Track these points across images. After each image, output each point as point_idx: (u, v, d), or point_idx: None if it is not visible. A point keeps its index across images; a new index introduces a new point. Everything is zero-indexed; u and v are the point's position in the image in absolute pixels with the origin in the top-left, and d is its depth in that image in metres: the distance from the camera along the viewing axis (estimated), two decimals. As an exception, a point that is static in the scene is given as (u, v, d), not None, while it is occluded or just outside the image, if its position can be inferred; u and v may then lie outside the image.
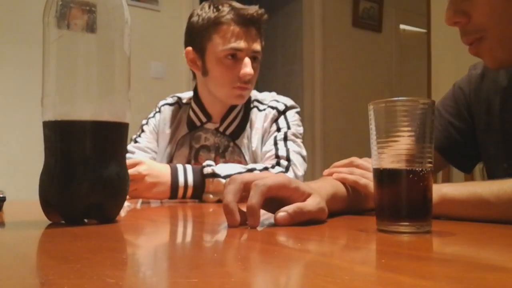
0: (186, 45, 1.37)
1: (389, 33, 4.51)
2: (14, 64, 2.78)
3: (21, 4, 2.79)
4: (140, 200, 1.15)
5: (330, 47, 4.10)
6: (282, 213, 0.61)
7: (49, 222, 0.66)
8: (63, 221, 0.65)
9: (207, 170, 1.15)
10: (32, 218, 0.76)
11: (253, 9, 1.30)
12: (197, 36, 1.32)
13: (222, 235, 0.58)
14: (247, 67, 1.29)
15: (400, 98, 0.57)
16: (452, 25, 0.80)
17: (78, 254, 0.44)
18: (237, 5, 1.31)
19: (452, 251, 0.49)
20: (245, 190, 0.62)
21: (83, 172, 0.64)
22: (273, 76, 4.34)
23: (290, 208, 0.62)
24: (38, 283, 0.34)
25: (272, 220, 0.66)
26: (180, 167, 1.16)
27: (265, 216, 0.70)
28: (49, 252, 0.47)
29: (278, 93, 1.48)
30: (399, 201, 0.58)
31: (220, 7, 1.29)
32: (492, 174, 0.96)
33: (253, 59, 1.32)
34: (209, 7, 1.31)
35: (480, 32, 0.78)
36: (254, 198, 0.60)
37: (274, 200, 0.64)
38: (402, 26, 4.67)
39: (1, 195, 0.86)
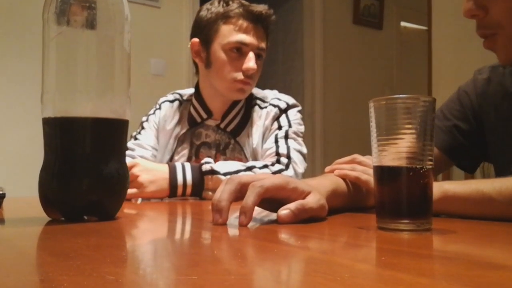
0: (192, 37, 1.38)
1: (390, 31, 4.51)
2: (14, 62, 2.78)
3: (21, 1, 2.79)
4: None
5: (331, 45, 4.10)
6: (285, 211, 0.61)
7: (48, 219, 0.66)
8: (62, 218, 0.65)
9: (205, 167, 1.15)
10: (32, 214, 0.76)
11: (262, 7, 1.33)
12: (205, 27, 1.33)
13: (221, 232, 0.58)
14: (251, 62, 1.30)
15: (400, 95, 0.57)
16: (469, 17, 0.78)
17: (78, 251, 0.43)
18: (246, 2, 1.34)
19: (453, 249, 0.49)
20: (241, 191, 0.62)
21: (83, 169, 0.64)
22: (274, 73, 4.34)
23: (292, 205, 0.62)
24: (37, 279, 0.34)
25: (271, 217, 0.66)
26: (178, 165, 1.16)
27: (264, 213, 0.71)
28: (48, 249, 0.47)
29: (279, 90, 1.48)
30: (399, 199, 0.57)
31: (230, 2, 1.32)
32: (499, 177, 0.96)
33: (257, 56, 1.33)
34: (219, 3, 1.33)
35: (496, 28, 0.77)
36: (250, 198, 0.60)
37: (273, 200, 0.64)
38: (403, 24, 4.67)
39: (1, 192, 0.86)
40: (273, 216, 0.65)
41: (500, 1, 0.75)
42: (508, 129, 0.92)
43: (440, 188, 0.68)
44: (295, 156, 1.28)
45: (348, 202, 0.78)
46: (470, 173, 1.10)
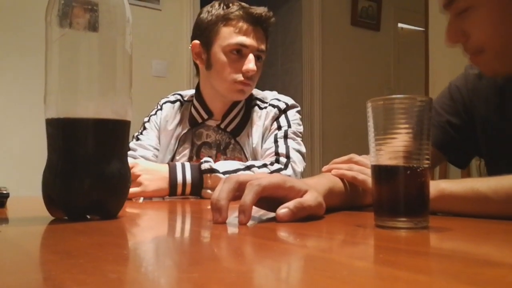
0: (192, 39, 1.39)
1: (388, 32, 4.51)
2: (18, 62, 2.77)
3: (24, 2, 2.79)
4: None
5: (329, 46, 4.10)
6: (284, 210, 0.62)
7: (52, 218, 0.66)
8: (65, 217, 0.66)
9: (204, 166, 1.16)
10: (35, 214, 0.77)
11: (261, 10, 1.33)
12: (205, 30, 1.34)
13: (221, 230, 0.58)
14: (251, 63, 1.31)
15: (398, 95, 0.58)
16: (452, 45, 0.83)
17: (80, 250, 0.44)
18: (246, 5, 1.35)
19: (450, 246, 0.49)
20: (239, 190, 0.63)
21: (85, 169, 0.65)
22: (273, 74, 4.34)
23: (290, 204, 0.62)
24: (41, 278, 0.34)
25: (270, 216, 0.66)
26: (178, 165, 1.17)
27: (263, 212, 0.71)
28: (51, 247, 0.47)
29: (278, 91, 1.49)
30: (396, 198, 0.58)
31: (230, 5, 1.33)
32: (490, 172, 0.97)
33: (257, 58, 1.34)
34: (219, 5, 1.34)
35: (479, 48, 0.81)
36: (248, 196, 0.61)
37: (270, 199, 0.65)
38: (400, 25, 4.67)
39: (5, 192, 0.86)
40: (272, 214, 0.65)
41: (478, 22, 0.79)
42: (499, 124, 0.92)
43: (436, 186, 0.69)
44: (294, 155, 1.29)
45: (345, 201, 0.79)
46: (461, 168, 1.11)
